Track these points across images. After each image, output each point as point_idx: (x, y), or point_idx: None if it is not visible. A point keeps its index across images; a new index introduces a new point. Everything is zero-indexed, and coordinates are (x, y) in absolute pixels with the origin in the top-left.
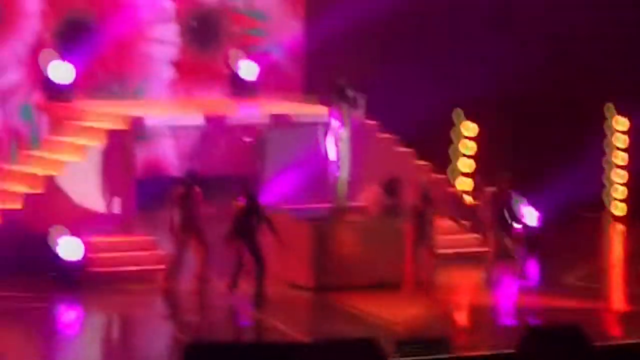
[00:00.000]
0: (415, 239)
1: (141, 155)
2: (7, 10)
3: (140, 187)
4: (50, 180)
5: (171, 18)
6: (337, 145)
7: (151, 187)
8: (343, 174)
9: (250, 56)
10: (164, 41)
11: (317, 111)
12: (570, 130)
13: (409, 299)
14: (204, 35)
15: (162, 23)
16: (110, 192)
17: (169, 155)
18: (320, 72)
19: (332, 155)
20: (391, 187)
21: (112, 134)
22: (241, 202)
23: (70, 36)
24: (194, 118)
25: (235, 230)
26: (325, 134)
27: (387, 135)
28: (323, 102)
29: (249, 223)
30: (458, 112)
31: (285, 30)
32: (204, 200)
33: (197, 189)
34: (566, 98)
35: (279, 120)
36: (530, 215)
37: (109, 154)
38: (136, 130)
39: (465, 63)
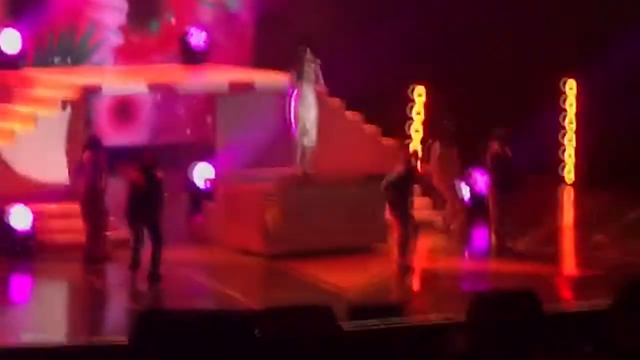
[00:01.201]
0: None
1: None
2: None
3: None
4: None
5: None
6: (297, 111)
7: None
8: (305, 140)
9: (200, 22)
10: (110, 7)
11: (274, 77)
12: (523, 96)
13: (362, 264)
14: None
15: None
16: (61, 161)
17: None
18: (274, 25)
19: (293, 121)
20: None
21: (64, 103)
22: (136, 177)
23: (18, 2)
24: (142, 86)
25: (132, 209)
26: (286, 99)
27: (335, 100)
28: (280, 68)
29: (147, 199)
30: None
31: None
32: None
33: (102, 155)
34: (522, 66)
35: (238, 88)
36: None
37: (61, 123)
38: (88, 98)
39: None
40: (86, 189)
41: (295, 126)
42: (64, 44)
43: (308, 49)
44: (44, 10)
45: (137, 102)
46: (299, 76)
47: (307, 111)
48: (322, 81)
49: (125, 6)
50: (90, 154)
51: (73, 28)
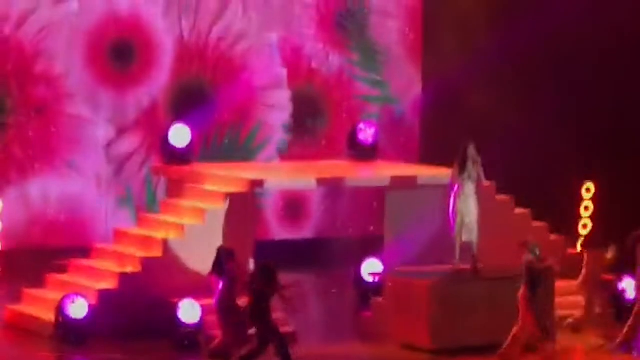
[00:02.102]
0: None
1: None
2: (144, 59)
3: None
4: (169, 244)
5: (284, 84)
6: (455, 207)
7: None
8: (465, 235)
9: (368, 120)
10: (275, 106)
11: (438, 173)
12: None
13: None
14: (316, 104)
15: (276, 89)
16: None
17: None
18: (439, 125)
19: (454, 217)
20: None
21: (232, 197)
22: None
23: (186, 101)
24: (310, 181)
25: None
26: (449, 195)
27: (503, 197)
28: (445, 164)
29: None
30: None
31: (403, 80)
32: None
33: (230, 265)
34: None
35: (403, 182)
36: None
37: (229, 217)
38: (256, 193)
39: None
40: (220, 302)
41: (454, 222)
42: (229, 142)
43: (471, 146)
44: (210, 108)
45: (305, 197)
46: (461, 172)
47: (466, 207)
48: (483, 178)
49: (289, 105)
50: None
51: (239, 126)
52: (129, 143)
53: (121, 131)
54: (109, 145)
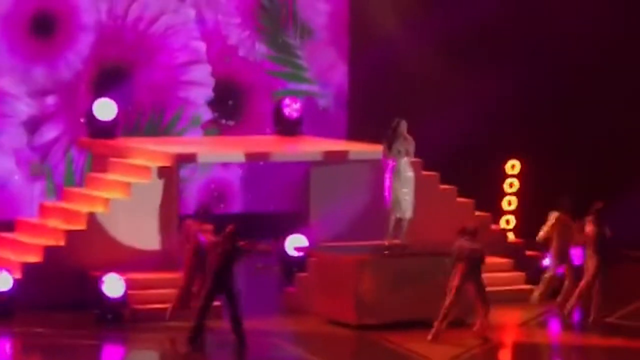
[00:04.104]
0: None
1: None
2: (64, 26)
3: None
4: (93, 217)
5: (203, 59)
6: (391, 184)
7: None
8: (399, 212)
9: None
10: (197, 83)
11: (367, 149)
12: (617, 164)
13: (452, 337)
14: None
15: (195, 65)
16: (154, 229)
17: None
18: (365, 109)
19: (386, 193)
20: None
21: (157, 171)
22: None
23: (107, 83)
24: (237, 155)
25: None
26: (384, 172)
27: (430, 173)
28: (373, 141)
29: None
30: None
31: (327, 69)
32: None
33: (209, 226)
34: (613, 132)
35: (333, 157)
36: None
37: (153, 191)
38: (180, 167)
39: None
40: (193, 257)
41: (389, 199)
42: (152, 123)
43: (402, 122)
44: (129, 87)
45: (230, 172)
46: (393, 149)
47: (401, 184)
48: (413, 154)
49: (211, 81)
50: (197, 222)
51: (162, 108)
52: (50, 118)
53: (42, 106)
54: (29, 119)
